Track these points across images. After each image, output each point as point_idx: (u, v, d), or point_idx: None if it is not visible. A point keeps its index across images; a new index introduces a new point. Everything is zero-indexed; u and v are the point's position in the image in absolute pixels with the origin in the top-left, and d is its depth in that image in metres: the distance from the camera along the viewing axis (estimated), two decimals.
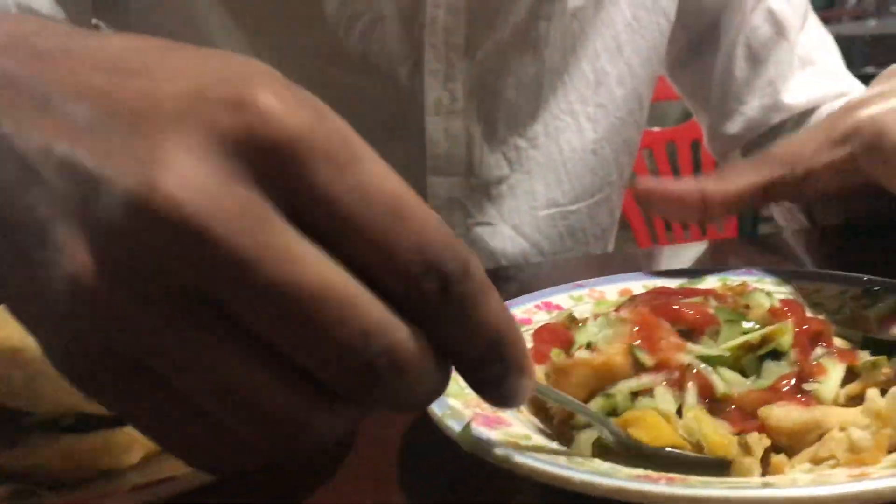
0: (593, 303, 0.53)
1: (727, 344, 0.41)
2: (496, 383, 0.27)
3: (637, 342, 0.41)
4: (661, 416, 0.37)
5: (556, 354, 0.42)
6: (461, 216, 0.84)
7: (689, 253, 1.00)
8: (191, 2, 0.73)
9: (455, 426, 0.36)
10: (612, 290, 0.55)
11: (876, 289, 0.49)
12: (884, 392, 0.37)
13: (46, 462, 0.39)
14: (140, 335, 0.23)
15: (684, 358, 0.40)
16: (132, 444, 0.40)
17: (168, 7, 0.74)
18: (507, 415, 0.40)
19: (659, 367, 0.40)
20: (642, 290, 0.51)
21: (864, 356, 0.41)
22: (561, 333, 0.45)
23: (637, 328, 0.41)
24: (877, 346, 0.42)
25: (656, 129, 1.95)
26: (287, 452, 0.25)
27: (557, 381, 0.42)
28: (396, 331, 0.24)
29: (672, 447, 0.37)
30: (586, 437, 0.38)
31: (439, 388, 0.26)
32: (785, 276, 0.53)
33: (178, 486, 0.36)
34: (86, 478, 0.39)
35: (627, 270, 0.58)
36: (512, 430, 0.38)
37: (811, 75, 0.87)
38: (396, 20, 0.73)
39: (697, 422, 0.37)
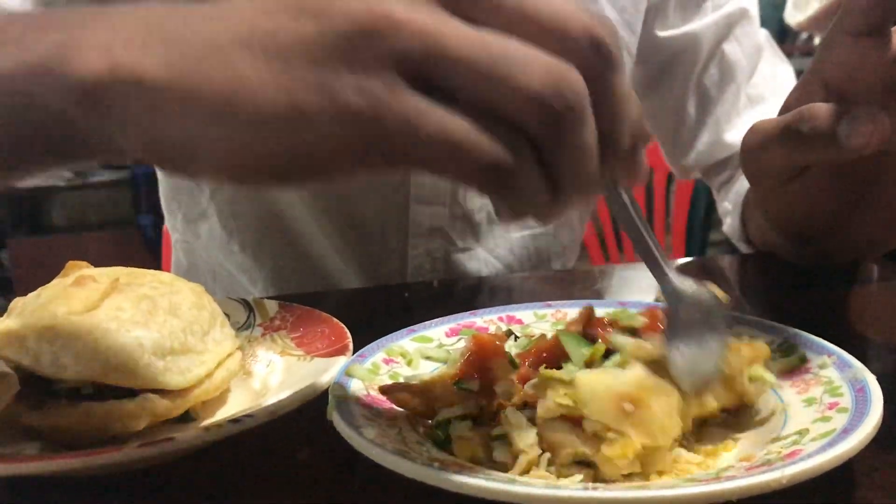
0: (553, 321, 0.57)
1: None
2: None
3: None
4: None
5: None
6: (442, 243, 0.88)
7: (641, 271, 1.04)
8: None
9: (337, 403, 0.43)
10: (575, 312, 0.57)
11: (791, 342, 0.51)
12: None
13: (68, 424, 0.46)
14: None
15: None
16: (140, 412, 0.46)
17: None
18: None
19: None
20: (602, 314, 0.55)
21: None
22: (489, 344, 0.47)
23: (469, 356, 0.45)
24: None
25: None
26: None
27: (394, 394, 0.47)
28: (570, 73, 0.32)
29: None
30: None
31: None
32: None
33: (176, 444, 0.42)
34: (100, 439, 0.45)
35: (586, 285, 0.61)
36: (382, 406, 0.45)
37: (760, 113, 0.90)
38: None
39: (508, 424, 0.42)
